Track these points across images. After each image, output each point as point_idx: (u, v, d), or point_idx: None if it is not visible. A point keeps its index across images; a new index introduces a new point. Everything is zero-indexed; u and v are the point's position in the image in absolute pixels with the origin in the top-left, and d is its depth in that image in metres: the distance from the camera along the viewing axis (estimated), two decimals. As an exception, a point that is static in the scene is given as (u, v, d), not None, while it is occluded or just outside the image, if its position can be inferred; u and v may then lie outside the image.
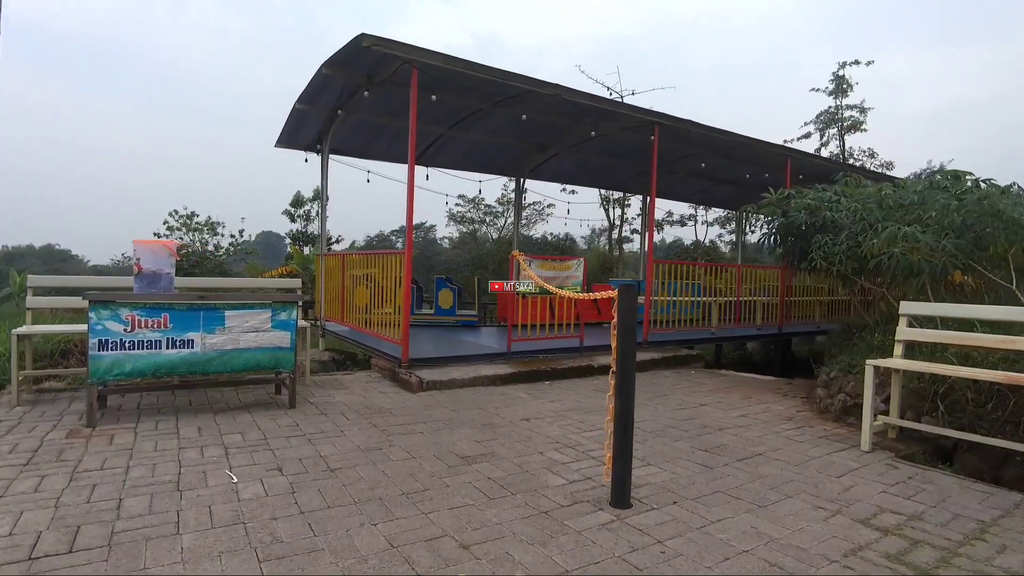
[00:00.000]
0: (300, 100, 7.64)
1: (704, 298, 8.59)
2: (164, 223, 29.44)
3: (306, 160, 8.92)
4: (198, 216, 31.15)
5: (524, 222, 33.99)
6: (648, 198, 12.08)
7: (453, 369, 6.09)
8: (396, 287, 6.25)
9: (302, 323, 5.74)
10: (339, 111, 7.75)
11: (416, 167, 10.55)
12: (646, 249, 11.70)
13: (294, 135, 8.56)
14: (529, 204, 32.70)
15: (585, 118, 8.39)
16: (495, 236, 35.08)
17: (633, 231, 21.52)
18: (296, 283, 6.13)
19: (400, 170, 9.24)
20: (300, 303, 5.32)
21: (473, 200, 34.43)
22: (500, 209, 34.01)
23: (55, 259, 76.12)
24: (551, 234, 33.55)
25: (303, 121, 8.19)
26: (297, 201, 28.75)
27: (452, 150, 9.67)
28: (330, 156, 9.01)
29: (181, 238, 30.14)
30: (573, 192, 19.99)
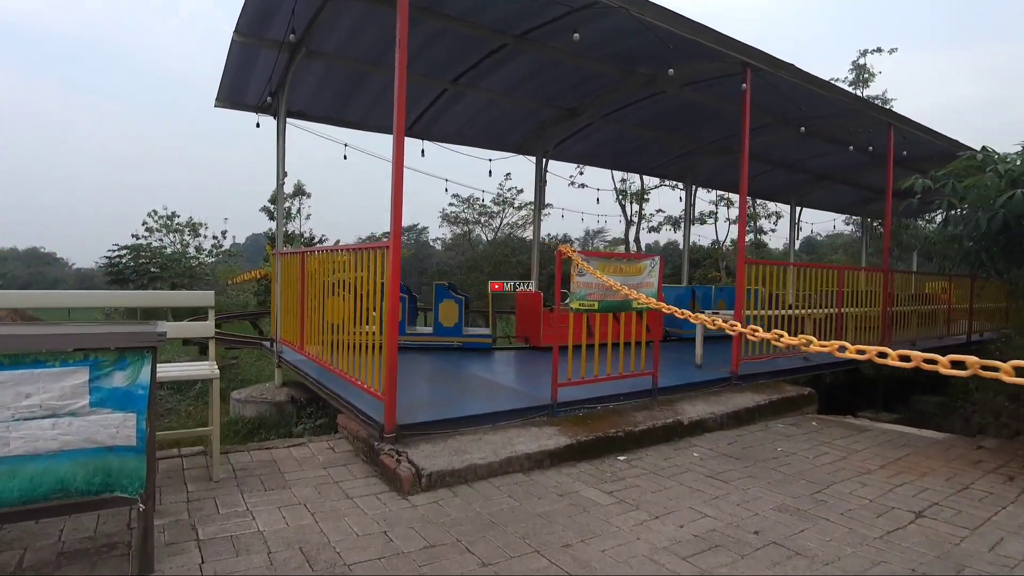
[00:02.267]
0: (240, 28, 5.07)
1: (806, 310, 6.10)
2: (143, 224, 26.52)
3: (257, 125, 6.33)
4: (179, 216, 28.23)
5: (520, 222, 31.52)
6: (693, 188, 9.59)
7: (470, 440, 3.53)
8: (374, 298, 3.69)
9: (203, 371, 3.15)
10: (296, 43, 5.18)
11: (408, 139, 7.93)
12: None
13: (238, 86, 5.97)
14: (526, 204, 30.30)
15: (642, 62, 5.89)
16: (490, 237, 32.52)
17: (651, 229, 19.02)
18: (201, 299, 3.49)
19: (387, 143, 6.55)
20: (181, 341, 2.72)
21: (467, 200, 31.96)
22: (495, 209, 31.56)
23: (39, 262, 72.56)
24: (548, 235, 31.07)
25: (249, 65, 5.61)
26: (276, 198, 25.89)
27: (455, 116, 7.11)
28: (290, 121, 6.46)
29: (160, 239, 27.28)
30: (583, 187, 17.59)
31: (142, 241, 23.84)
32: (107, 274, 21.91)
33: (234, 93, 6.07)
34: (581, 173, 17.85)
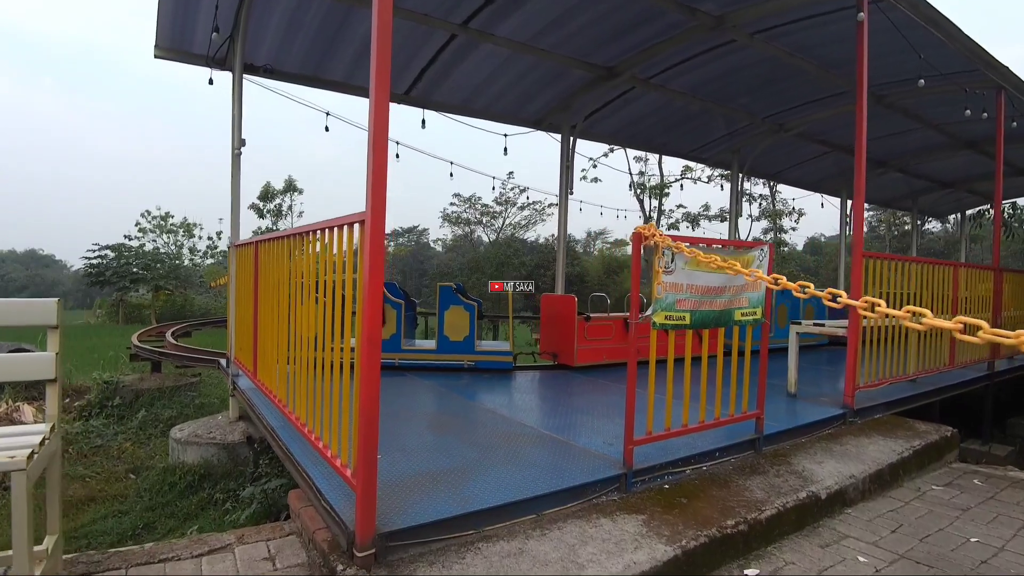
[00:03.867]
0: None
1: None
2: (136, 224, 25.03)
3: (210, 81, 4.85)
4: (173, 217, 26.73)
5: (524, 222, 30.06)
6: (741, 176, 8.10)
7: (504, 556, 2.02)
8: (336, 305, 2.20)
9: (34, 435, 1.63)
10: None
11: (406, 107, 6.39)
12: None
13: (181, 28, 4.49)
14: (530, 203, 28.86)
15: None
16: (492, 237, 31.04)
17: (670, 226, 17.53)
18: (37, 314, 1.99)
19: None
20: None
21: (469, 199, 30.55)
22: (498, 209, 30.14)
23: (38, 264, 70.92)
24: (551, 236, 29.61)
25: (191, -5, 4.14)
26: (266, 194, 24.29)
27: (463, 77, 5.63)
28: (257, 81, 5.02)
29: (154, 240, 25.75)
30: (596, 181, 16.23)
31: (129, 242, 22.43)
32: (86, 275, 20.38)
33: (177, 38, 4.58)
34: (595, 166, 16.39)
